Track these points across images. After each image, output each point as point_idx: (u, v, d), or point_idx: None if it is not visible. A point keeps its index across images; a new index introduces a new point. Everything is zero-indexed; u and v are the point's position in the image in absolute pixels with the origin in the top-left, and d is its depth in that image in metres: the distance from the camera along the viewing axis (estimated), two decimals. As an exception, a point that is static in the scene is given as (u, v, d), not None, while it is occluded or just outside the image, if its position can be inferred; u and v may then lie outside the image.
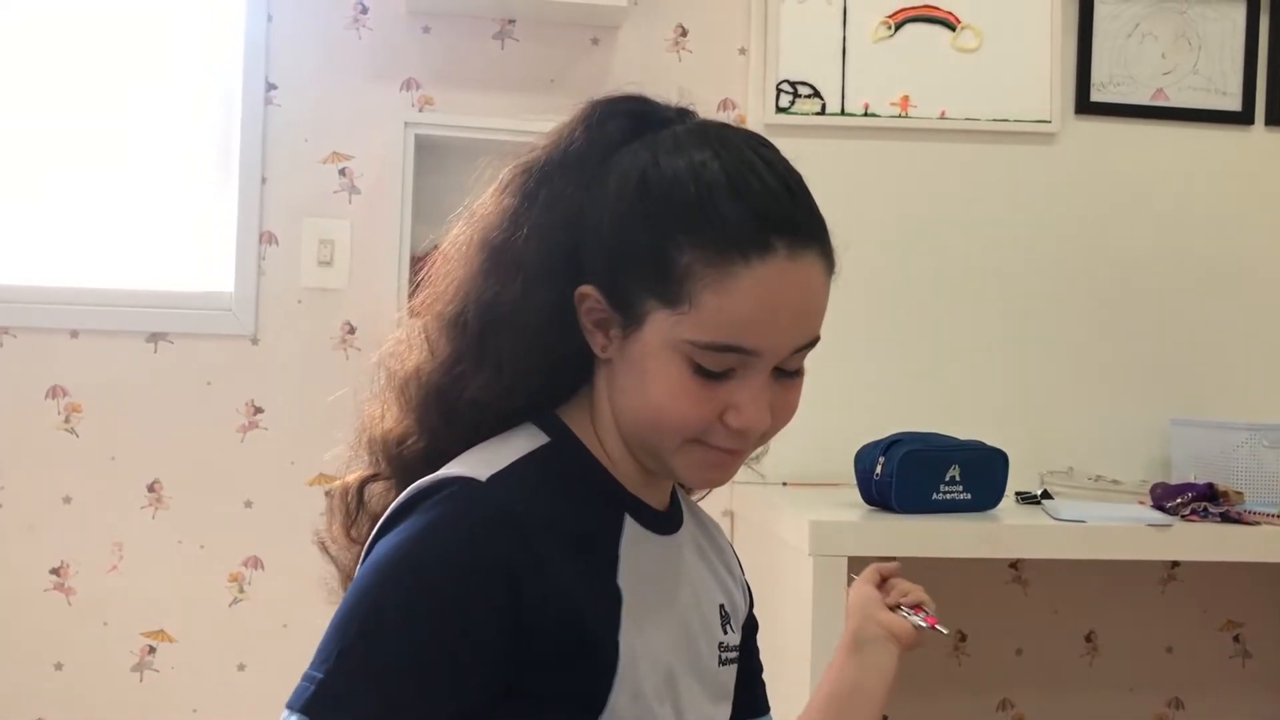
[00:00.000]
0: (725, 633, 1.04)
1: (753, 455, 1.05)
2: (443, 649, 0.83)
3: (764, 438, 0.95)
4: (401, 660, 0.83)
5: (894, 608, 1.14)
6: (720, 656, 1.02)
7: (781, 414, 0.93)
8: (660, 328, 0.89)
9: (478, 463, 0.91)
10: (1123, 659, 2.53)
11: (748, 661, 1.14)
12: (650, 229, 0.89)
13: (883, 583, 1.18)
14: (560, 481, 0.93)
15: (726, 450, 0.93)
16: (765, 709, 1.16)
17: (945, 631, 1.14)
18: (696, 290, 0.87)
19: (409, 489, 0.91)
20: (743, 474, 1.02)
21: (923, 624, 1.13)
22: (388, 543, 0.88)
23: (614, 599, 0.91)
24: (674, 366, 0.89)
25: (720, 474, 0.96)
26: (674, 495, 1.04)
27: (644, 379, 0.91)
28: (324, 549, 1.02)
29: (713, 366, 0.88)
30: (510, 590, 0.85)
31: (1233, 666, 2.56)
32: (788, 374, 0.92)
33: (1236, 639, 2.57)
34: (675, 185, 0.89)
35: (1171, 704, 2.55)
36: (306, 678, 0.84)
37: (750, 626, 1.15)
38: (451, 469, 0.91)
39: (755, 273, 0.86)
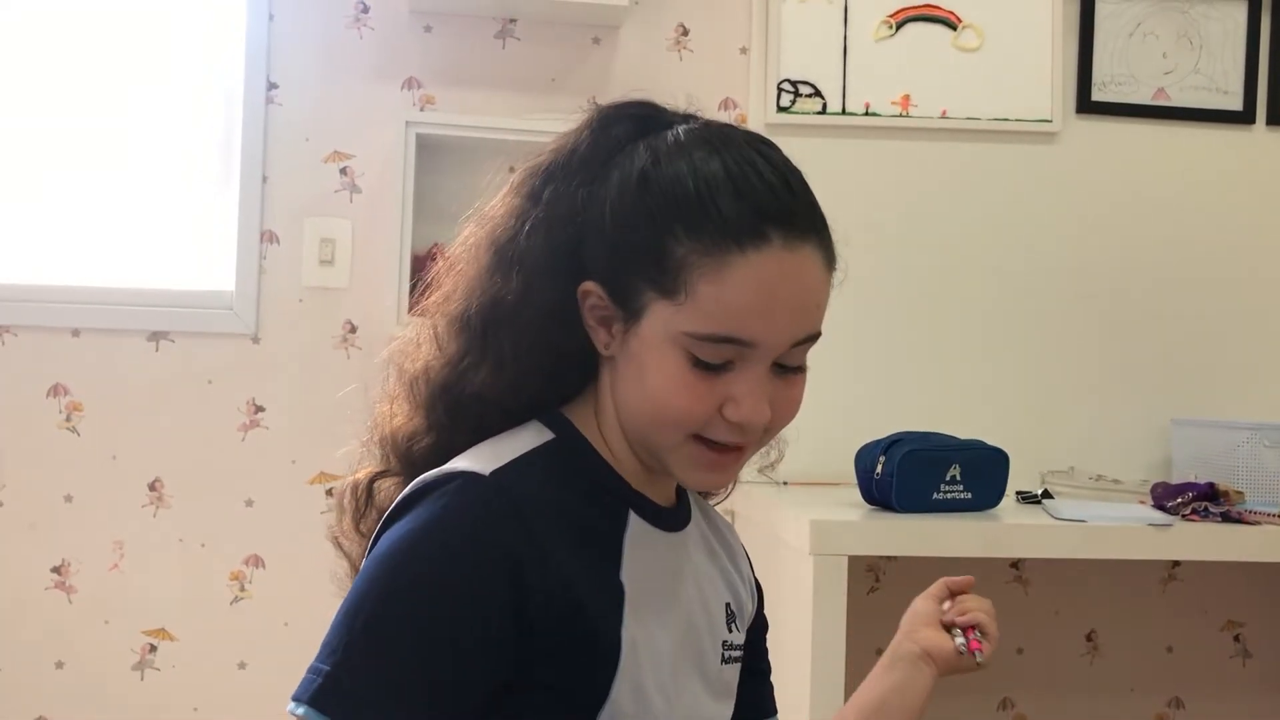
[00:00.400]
0: (730, 631, 1.04)
1: (767, 462, 1.06)
2: (447, 641, 0.84)
3: (767, 434, 0.95)
4: (406, 653, 0.84)
5: (949, 626, 1.10)
6: (724, 655, 1.03)
7: (783, 410, 0.93)
8: (659, 320, 0.90)
9: (481, 458, 0.92)
10: (1123, 659, 2.53)
11: (757, 663, 1.14)
12: (650, 223, 0.90)
13: (951, 598, 1.14)
14: (564, 477, 0.94)
15: (726, 448, 0.93)
16: (773, 710, 1.16)
17: (980, 661, 1.08)
18: (693, 281, 0.88)
19: (413, 483, 0.92)
20: (746, 473, 1.02)
21: (962, 649, 1.08)
22: (392, 536, 0.89)
23: (616, 593, 0.92)
24: (672, 359, 0.90)
25: (719, 475, 0.96)
26: (682, 493, 1.05)
27: (643, 372, 0.91)
28: (337, 544, 1.04)
29: (710, 358, 0.89)
30: (513, 583, 0.86)
31: (1233, 666, 2.56)
32: (789, 369, 0.92)
33: (1237, 639, 2.57)
34: (675, 181, 0.90)
35: (1172, 704, 2.55)
36: (313, 670, 0.84)
37: (760, 626, 1.15)
38: (455, 464, 0.92)
39: (750, 262, 0.87)
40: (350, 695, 0.83)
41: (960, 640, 1.09)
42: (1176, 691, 2.55)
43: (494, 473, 0.90)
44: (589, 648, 0.89)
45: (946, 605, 1.13)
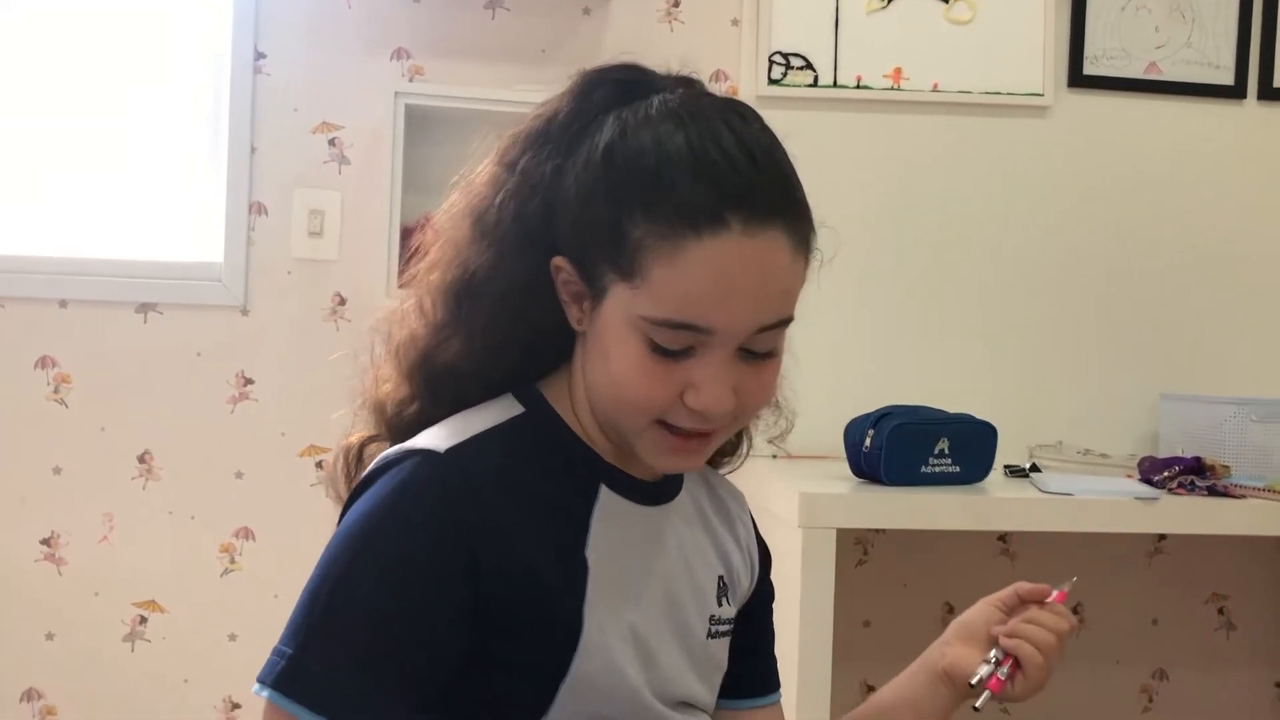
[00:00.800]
0: (720, 605, 1.02)
1: (776, 434, 1.04)
2: (407, 620, 0.84)
3: (736, 421, 0.93)
4: (366, 633, 0.84)
5: (993, 640, 1.05)
6: (710, 629, 1.01)
7: (751, 397, 0.90)
8: (619, 302, 0.88)
9: (443, 434, 0.91)
10: (1109, 631, 2.54)
11: (760, 637, 1.12)
12: (610, 201, 0.87)
13: (1021, 607, 1.10)
14: (531, 452, 0.93)
15: (690, 434, 0.91)
16: (775, 687, 1.14)
17: (978, 708, 1.01)
18: (648, 264, 0.85)
19: (375, 460, 0.92)
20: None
21: (974, 684, 1.00)
22: (352, 514, 0.89)
23: (580, 570, 0.91)
24: (632, 344, 0.87)
25: (686, 460, 0.93)
26: None
27: (606, 355, 0.90)
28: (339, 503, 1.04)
29: (669, 344, 0.86)
30: (471, 560, 0.85)
31: (1217, 639, 2.58)
32: (758, 355, 0.89)
33: (1221, 611, 2.59)
34: (638, 156, 0.87)
35: (1156, 675, 2.57)
36: (276, 652, 0.84)
37: (764, 596, 1.12)
38: (416, 441, 0.91)
39: (706, 247, 0.84)
40: (312, 677, 0.83)
41: (984, 670, 1.01)
42: (1161, 663, 2.57)
43: (450, 450, 0.89)
44: (548, 624, 0.88)
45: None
